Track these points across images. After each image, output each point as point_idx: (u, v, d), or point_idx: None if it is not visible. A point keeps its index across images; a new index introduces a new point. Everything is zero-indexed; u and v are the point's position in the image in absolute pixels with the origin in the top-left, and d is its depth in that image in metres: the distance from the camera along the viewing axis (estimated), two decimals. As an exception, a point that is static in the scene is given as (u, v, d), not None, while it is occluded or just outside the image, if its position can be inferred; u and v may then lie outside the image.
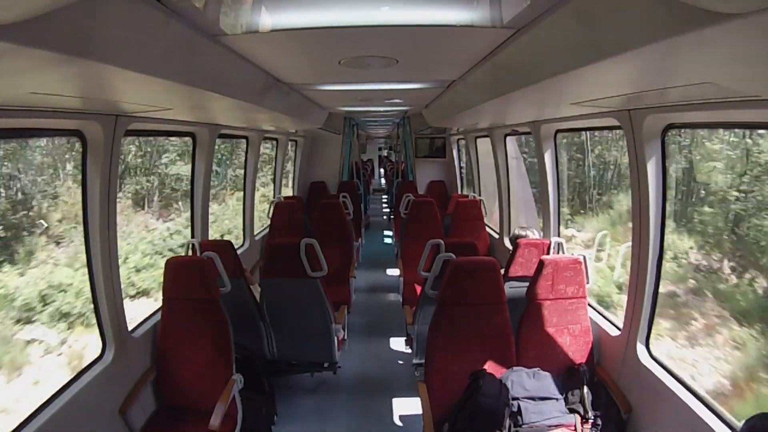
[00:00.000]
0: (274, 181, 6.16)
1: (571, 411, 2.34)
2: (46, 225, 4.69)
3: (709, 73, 1.25)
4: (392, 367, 3.94)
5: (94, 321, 2.35)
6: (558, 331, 2.54)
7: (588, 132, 5.31)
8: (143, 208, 6.83)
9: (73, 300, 4.55)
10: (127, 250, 5.84)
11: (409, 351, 3.63)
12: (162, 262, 2.67)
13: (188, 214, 3.66)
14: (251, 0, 1.43)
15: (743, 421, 1.36)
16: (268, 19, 1.58)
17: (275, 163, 6.11)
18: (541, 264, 2.55)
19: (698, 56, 1.09)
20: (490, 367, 2.42)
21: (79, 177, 2.28)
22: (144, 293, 5.66)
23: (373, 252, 7.52)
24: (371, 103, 4.58)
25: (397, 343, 4.32)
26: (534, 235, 3.31)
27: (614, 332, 2.52)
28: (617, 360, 2.42)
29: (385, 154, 19.17)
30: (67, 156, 5.44)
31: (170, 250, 6.24)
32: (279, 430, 3.05)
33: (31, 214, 4.83)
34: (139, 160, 6.96)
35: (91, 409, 2.14)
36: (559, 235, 3.46)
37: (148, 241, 6.35)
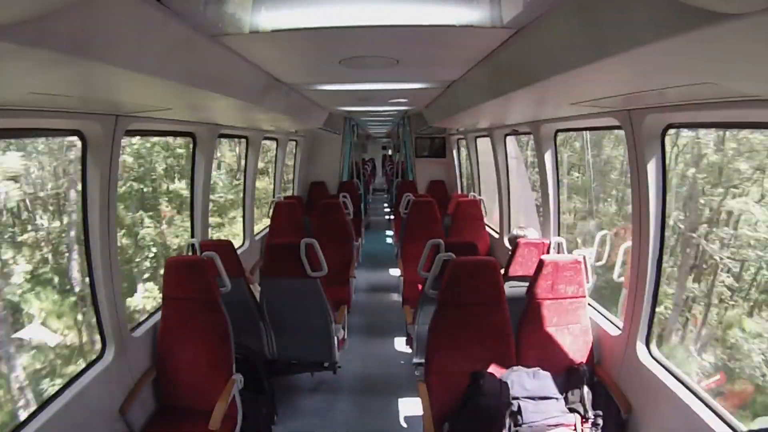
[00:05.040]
0: (274, 180, 6.17)
1: (571, 411, 2.34)
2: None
3: (710, 73, 1.25)
4: (392, 367, 3.94)
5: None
6: (558, 331, 2.54)
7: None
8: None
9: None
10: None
11: (409, 351, 3.63)
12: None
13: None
14: (251, 0, 1.43)
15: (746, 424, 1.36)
16: (268, 19, 1.58)
17: (275, 162, 6.11)
18: (540, 264, 2.55)
19: (698, 56, 1.09)
20: (490, 366, 2.42)
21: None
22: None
23: (374, 252, 7.52)
24: (371, 103, 4.58)
25: (397, 343, 4.32)
26: (533, 234, 3.31)
27: (614, 332, 2.52)
28: (617, 360, 2.42)
29: (389, 153, 19.11)
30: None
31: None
32: (279, 430, 3.05)
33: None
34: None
35: (91, 409, 2.14)
36: (558, 235, 3.46)
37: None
